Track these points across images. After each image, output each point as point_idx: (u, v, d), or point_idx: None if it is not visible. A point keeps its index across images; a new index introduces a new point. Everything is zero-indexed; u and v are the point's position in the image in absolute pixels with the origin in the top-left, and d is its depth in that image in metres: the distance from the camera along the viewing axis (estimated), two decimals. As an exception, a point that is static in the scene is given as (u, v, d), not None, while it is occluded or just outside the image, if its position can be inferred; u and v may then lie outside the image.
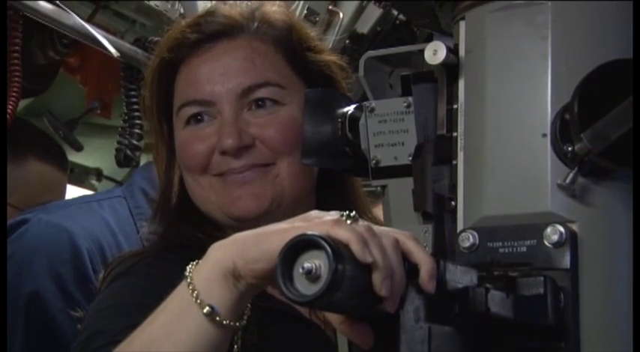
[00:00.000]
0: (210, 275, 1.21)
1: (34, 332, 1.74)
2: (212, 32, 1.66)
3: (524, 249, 1.22)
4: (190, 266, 1.24)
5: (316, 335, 1.60)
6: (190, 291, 1.21)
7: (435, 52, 1.30)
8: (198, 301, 1.20)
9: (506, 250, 1.23)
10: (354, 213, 1.17)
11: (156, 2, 2.40)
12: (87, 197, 2.11)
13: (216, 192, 1.62)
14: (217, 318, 1.20)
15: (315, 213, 1.20)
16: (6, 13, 2.01)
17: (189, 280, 1.22)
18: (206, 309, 1.19)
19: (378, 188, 1.40)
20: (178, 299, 1.23)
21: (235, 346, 1.26)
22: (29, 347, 1.64)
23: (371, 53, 1.45)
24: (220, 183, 1.62)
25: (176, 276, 1.24)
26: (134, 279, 1.56)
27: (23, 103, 2.78)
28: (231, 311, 1.21)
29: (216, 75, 1.63)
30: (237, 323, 1.22)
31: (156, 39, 2.18)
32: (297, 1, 2.65)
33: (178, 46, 1.66)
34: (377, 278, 1.10)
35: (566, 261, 1.20)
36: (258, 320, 1.46)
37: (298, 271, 1.09)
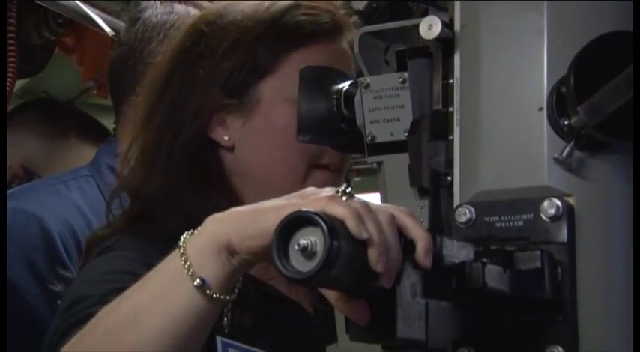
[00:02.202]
0: (204, 249, 1.19)
1: (13, 324, 1.72)
2: (328, 28, 1.60)
3: (520, 223, 1.21)
4: (185, 235, 1.22)
5: (299, 315, 1.58)
6: (183, 262, 1.19)
7: (430, 27, 1.30)
8: (190, 272, 1.18)
9: (503, 224, 1.22)
10: (349, 189, 1.16)
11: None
12: (52, 179, 2.08)
13: (299, 178, 1.58)
14: (208, 291, 1.19)
15: (311, 189, 1.19)
16: (6, 15, 1.98)
17: (182, 250, 1.20)
18: (197, 281, 1.18)
19: (374, 164, 1.39)
20: (170, 269, 1.21)
21: (225, 318, 1.25)
22: (10, 336, 1.63)
23: (366, 29, 1.45)
24: (312, 173, 1.59)
25: (165, 253, 1.22)
26: (122, 252, 1.53)
27: (19, 84, 2.77)
28: (223, 285, 1.20)
29: None
30: (228, 297, 1.21)
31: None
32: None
33: (298, 32, 1.60)
34: (373, 254, 1.09)
35: (563, 235, 1.19)
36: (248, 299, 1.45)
37: (294, 248, 1.08)
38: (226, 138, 1.59)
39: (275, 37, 1.59)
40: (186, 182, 1.58)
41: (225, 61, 1.58)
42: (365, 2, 2.79)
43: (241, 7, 1.64)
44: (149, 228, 1.57)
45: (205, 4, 2.12)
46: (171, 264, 1.21)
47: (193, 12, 2.08)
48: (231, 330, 1.45)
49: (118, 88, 2.15)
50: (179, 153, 1.57)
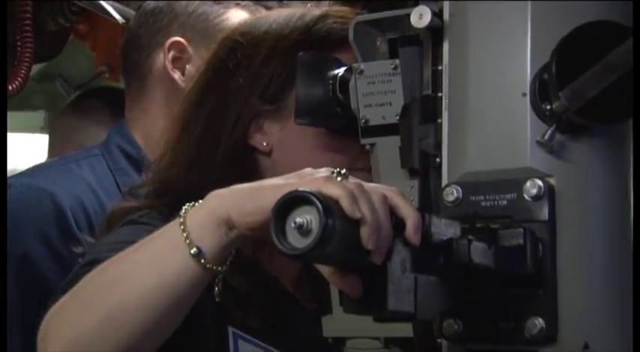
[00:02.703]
0: (203, 222, 1.18)
1: (28, 293, 1.72)
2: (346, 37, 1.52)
3: (504, 202, 1.20)
4: (186, 207, 1.21)
5: (302, 312, 1.56)
6: (181, 231, 1.18)
7: (421, 16, 1.28)
8: (187, 241, 1.18)
9: (488, 203, 1.21)
10: (344, 170, 1.16)
11: (159, -29, 2.36)
12: (66, 158, 2.07)
13: None
14: (202, 261, 1.18)
15: (308, 170, 1.18)
16: (6, 15, 1.95)
17: (182, 220, 1.20)
18: (193, 250, 1.17)
19: (368, 146, 1.38)
20: (168, 235, 1.20)
21: (216, 288, 1.24)
22: (25, 308, 1.62)
23: (360, 18, 1.43)
24: None
25: None
26: (145, 226, 1.49)
27: (36, 68, 2.76)
28: (217, 256, 1.19)
29: None
30: (220, 268, 1.20)
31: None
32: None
33: (328, 39, 1.56)
34: (365, 232, 1.09)
35: (544, 214, 1.18)
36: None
37: (290, 226, 1.07)
38: (265, 143, 1.54)
39: (309, 43, 1.54)
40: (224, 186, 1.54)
41: (264, 69, 1.54)
42: (361, -8, 2.81)
43: (273, 17, 1.60)
44: (175, 214, 1.54)
45: None
46: (169, 232, 1.21)
47: None
48: (242, 323, 1.43)
49: (127, 72, 2.13)
50: (220, 161, 1.52)
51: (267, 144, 1.54)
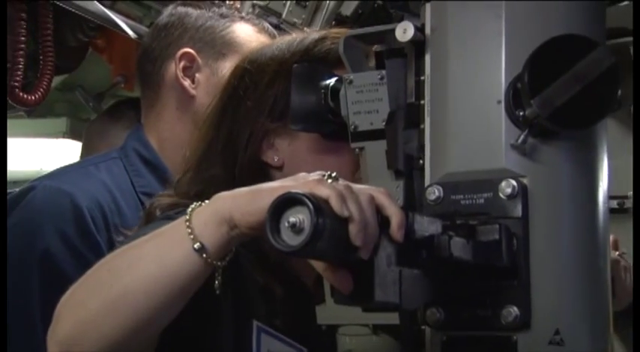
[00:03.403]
0: (208, 220, 1.17)
1: (49, 286, 1.70)
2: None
3: (482, 200, 1.19)
4: (192, 206, 1.20)
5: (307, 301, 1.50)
6: (187, 228, 1.17)
7: (405, 31, 1.27)
8: (192, 237, 1.17)
9: (467, 202, 1.20)
10: (334, 173, 1.15)
11: (168, -9, 2.35)
12: (86, 161, 2.05)
13: None
14: (204, 255, 1.17)
15: (302, 174, 1.17)
16: (6, 15, 1.93)
17: (188, 217, 1.18)
18: (197, 245, 1.16)
19: (357, 149, 1.36)
20: (174, 231, 1.19)
21: (216, 281, 1.23)
22: (46, 300, 1.60)
23: (350, 32, 1.41)
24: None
25: None
26: None
27: (58, 79, 2.75)
28: (218, 252, 1.18)
29: None
30: (219, 263, 1.19)
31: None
32: (290, -13, 2.61)
33: (327, 59, 1.52)
34: (353, 230, 1.07)
35: (518, 211, 1.17)
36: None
37: (284, 225, 1.06)
38: (276, 158, 1.52)
39: (309, 62, 1.52)
40: None
41: (269, 90, 1.52)
42: (352, 8, 2.80)
43: (277, 44, 1.59)
44: None
45: (203, 3, 2.09)
46: (176, 228, 1.19)
47: (191, 11, 2.04)
48: (266, 318, 1.40)
49: (143, 81, 2.12)
50: (238, 177, 1.49)
51: (279, 159, 1.52)
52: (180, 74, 1.98)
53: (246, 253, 1.37)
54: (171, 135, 2.00)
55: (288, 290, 1.45)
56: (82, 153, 2.58)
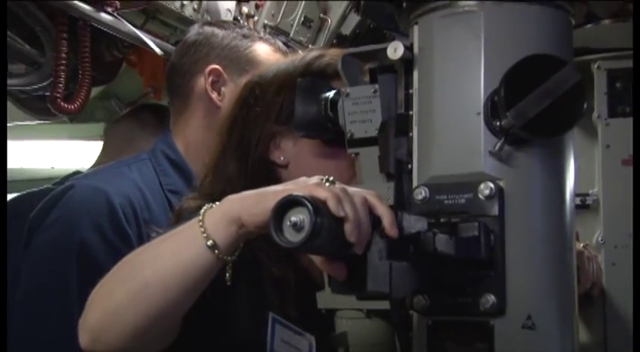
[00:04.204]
0: (218, 221, 1.14)
1: (85, 273, 1.68)
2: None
3: (463, 200, 1.16)
4: (205, 207, 1.17)
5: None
6: (200, 227, 1.14)
7: (396, 50, 1.24)
8: (205, 235, 1.14)
9: (450, 202, 1.16)
10: (332, 178, 1.12)
11: (191, 14, 2.31)
12: (119, 163, 2.02)
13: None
14: (216, 251, 1.14)
15: (303, 178, 1.14)
16: (6, 15, 1.88)
17: (201, 217, 1.15)
18: (209, 242, 1.13)
19: (353, 154, 1.32)
20: (189, 230, 1.16)
21: (227, 275, 1.20)
22: (82, 285, 1.57)
23: (347, 51, 1.37)
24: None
25: None
26: None
27: (97, 90, 2.72)
28: (228, 248, 1.15)
29: None
30: (229, 258, 1.16)
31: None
32: (296, 11, 2.58)
33: (325, 72, 1.50)
34: (348, 228, 1.04)
35: (495, 210, 1.14)
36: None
37: (287, 224, 1.03)
38: (282, 158, 1.49)
39: (309, 76, 1.49)
40: None
41: (276, 98, 1.49)
42: (351, 29, 2.77)
43: (282, 61, 1.59)
44: None
45: (225, 24, 2.06)
46: (190, 228, 1.17)
47: (217, 31, 2.02)
48: (280, 310, 1.36)
49: (171, 92, 2.09)
50: (250, 175, 1.47)
51: (284, 159, 1.49)
52: (209, 88, 1.97)
53: (264, 248, 1.34)
54: (197, 139, 1.96)
55: (298, 280, 1.41)
56: (104, 152, 2.52)
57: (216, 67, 1.96)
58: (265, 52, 1.99)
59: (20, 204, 2.22)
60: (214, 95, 1.96)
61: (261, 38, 2.03)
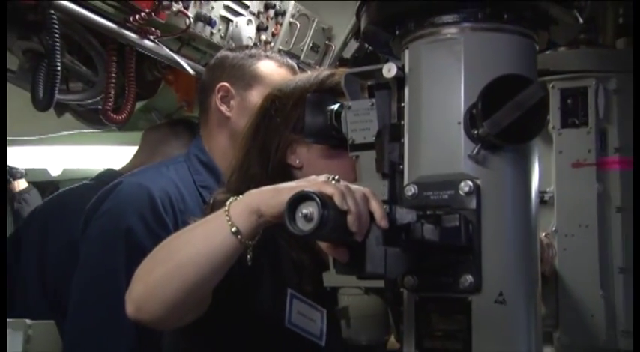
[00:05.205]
0: (241, 211, 1.13)
1: (131, 255, 1.66)
2: None
3: (446, 196, 1.14)
4: (230, 200, 1.15)
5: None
6: (226, 216, 1.13)
7: (390, 70, 1.22)
8: (230, 223, 1.13)
9: (435, 197, 1.14)
10: (337, 176, 1.11)
11: (219, 41, 2.29)
12: (160, 164, 2.01)
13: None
14: (239, 236, 1.12)
15: (313, 177, 1.13)
16: (6, 15, 1.83)
17: (226, 208, 1.14)
18: (234, 229, 1.12)
19: (354, 157, 1.30)
20: (216, 219, 1.15)
21: (248, 256, 1.18)
22: (129, 264, 1.56)
23: (349, 71, 1.36)
24: None
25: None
26: None
27: (140, 104, 2.70)
28: (249, 234, 1.14)
29: None
30: (250, 242, 1.15)
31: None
32: (306, 39, 2.56)
33: (336, 89, 1.45)
34: (350, 219, 1.03)
35: (473, 204, 1.12)
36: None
37: (299, 215, 1.02)
38: (297, 161, 1.47)
39: (322, 92, 1.47)
40: None
41: (293, 111, 1.47)
42: (351, 53, 2.76)
43: (298, 78, 1.55)
44: None
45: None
46: (217, 217, 1.15)
47: (230, 54, 2.00)
48: (297, 287, 1.35)
49: (200, 107, 2.08)
50: (270, 176, 1.45)
51: (299, 162, 1.47)
52: (218, 102, 1.96)
53: (284, 236, 1.32)
54: (215, 145, 1.97)
55: (312, 262, 1.39)
56: (140, 152, 2.48)
57: (225, 84, 1.95)
58: (268, 68, 1.96)
59: (64, 197, 2.27)
60: (223, 107, 1.95)
61: (267, 56, 2.00)
